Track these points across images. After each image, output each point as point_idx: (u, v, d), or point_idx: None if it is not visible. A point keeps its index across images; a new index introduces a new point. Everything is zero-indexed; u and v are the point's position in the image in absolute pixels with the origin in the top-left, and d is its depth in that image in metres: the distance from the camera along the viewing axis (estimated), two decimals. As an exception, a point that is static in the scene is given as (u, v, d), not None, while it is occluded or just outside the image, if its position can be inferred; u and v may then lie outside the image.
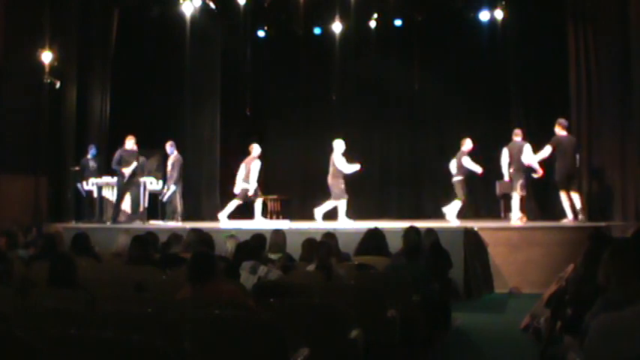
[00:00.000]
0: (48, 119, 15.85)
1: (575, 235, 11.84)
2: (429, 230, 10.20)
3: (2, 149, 14.82)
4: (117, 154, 14.93)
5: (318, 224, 13.82)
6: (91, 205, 15.82)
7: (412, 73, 17.86)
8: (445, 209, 14.50)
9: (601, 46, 14.13)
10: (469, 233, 11.69)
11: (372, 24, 17.67)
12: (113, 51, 17.04)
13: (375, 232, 9.31)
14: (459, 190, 14.37)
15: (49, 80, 15.31)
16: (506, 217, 14.69)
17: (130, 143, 15.02)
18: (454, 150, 16.87)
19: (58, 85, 15.58)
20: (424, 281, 7.52)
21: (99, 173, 15.74)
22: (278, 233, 9.08)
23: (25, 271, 7.38)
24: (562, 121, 13.63)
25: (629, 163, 13.55)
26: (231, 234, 9.45)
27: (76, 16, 16.29)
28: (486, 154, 15.43)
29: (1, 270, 6.29)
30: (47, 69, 15.27)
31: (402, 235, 9.05)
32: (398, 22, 17.81)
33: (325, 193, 14.90)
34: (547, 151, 13.48)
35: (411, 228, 9.31)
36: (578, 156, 13.68)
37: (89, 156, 15.78)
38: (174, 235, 9.49)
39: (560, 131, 13.55)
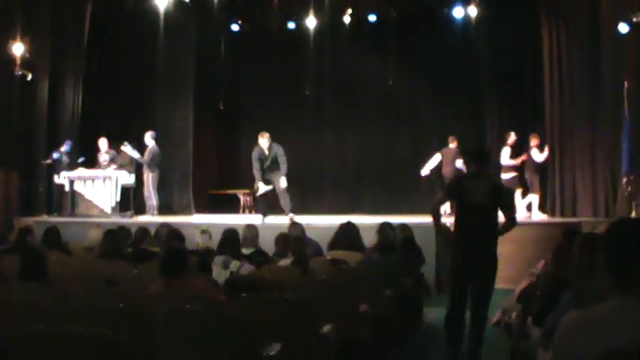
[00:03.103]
0: (19, 112, 15.69)
1: (547, 231, 11.96)
2: (403, 226, 10.22)
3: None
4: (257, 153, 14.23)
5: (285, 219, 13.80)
6: (61, 199, 15.69)
7: (386, 68, 17.90)
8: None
9: (574, 45, 14.27)
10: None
11: (347, 19, 17.66)
12: (86, 43, 16.90)
13: (348, 227, 9.32)
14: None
15: (20, 72, 15.16)
16: None
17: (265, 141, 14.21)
18: (428, 145, 17.04)
19: (29, 77, 15.44)
20: (396, 276, 7.55)
21: (69, 168, 15.56)
22: (251, 228, 9.08)
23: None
24: (452, 137, 15.47)
25: (599, 162, 13.75)
26: (203, 229, 9.43)
27: (48, 6, 16.14)
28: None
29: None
30: (19, 61, 15.12)
31: (376, 230, 9.06)
32: (372, 18, 17.80)
33: (300, 187, 14.87)
34: (436, 159, 15.60)
35: (386, 224, 9.31)
36: (460, 163, 14.92)
37: (62, 149, 15.59)
38: (143, 230, 9.44)
39: (450, 144, 15.39)
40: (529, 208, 14.42)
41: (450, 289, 7.11)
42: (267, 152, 13.72)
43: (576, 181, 14.15)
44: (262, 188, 13.70)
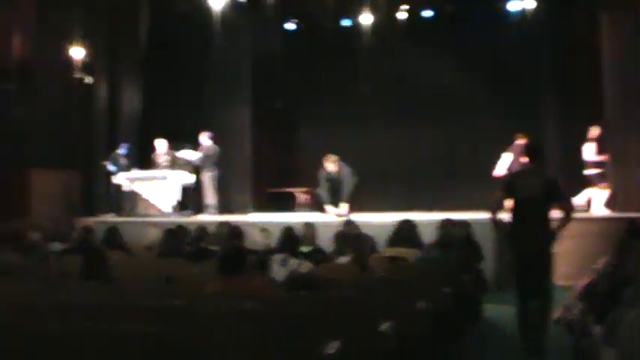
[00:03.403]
0: (79, 114, 15.95)
1: (608, 226, 11.73)
2: (462, 222, 10.15)
3: (34, 144, 14.97)
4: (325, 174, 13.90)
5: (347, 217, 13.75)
6: (121, 199, 15.88)
7: (443, 64, 17.73)
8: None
9: (634, 39, 13.98)
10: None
11: (402, 15, 17.55)
12: (143, 45, 17.11)
13: (406, 224, 9.29)
14: None
15: (80, 75, 15.42)
16: None
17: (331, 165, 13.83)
18: (485, 141, 16.80)
19: (89, 80, 15.69)
20: (455, 273, 7.51)
21: (127, 170, 15.72)
22: (309, 226, 9.10)
23: (58, 265, 7.47)
24: (519, 135, 14.78)
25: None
26: (263, 227, 9.48)
27: (105, 10, 16.38)
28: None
29: (35, 264, 6.38)
30: (78, 64, 15.38)
31: (437, 226, 9.03)
32: (428, 14, 17.70)
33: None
34: (507, 158, 14.96)
35: (448, 220, 9.27)
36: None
37: (120, 152, 15.79)
38: (201, 229, 9.52)
39: (517, 141, 14.72)
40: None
41: (515, 285, 7.30)
42: (334, 174, 13.55)
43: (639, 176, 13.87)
44: (332, 211, 13.50)
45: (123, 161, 15.71)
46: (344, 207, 13.33)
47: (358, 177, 13.81)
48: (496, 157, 15.37)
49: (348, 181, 13.44)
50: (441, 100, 18.26)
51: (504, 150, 15.16)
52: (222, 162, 15.94)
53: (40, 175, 15.06)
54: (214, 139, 15.58)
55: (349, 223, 9.68)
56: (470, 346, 7.85)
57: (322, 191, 13.65)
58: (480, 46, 17.57)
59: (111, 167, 15.64)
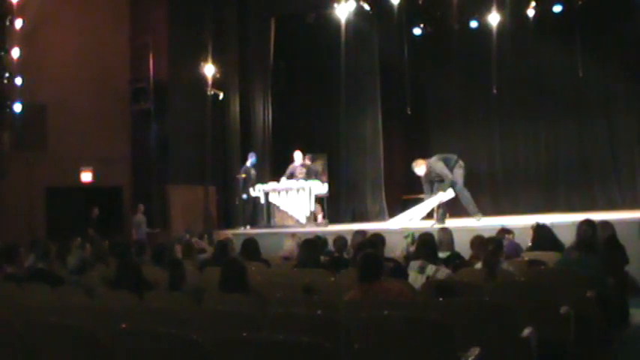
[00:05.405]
0: (213, 130, 16.37)
1: None
2: (605, 223, 9.79)
3: (172, 161, 15.47)
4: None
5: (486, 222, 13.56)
6: (255, 211, 16.17)
7: (575, 60, 17.11)
8: None
9: None
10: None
11: (530, 12, 17.13)
12: (272, 59, 17.42)
13: (540, 227, 9.09)
14: None
15: (212, 92, 15.85)
16: None
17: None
18: (624, 136, 16.15)
19: (221, 96, 16.10)
20: (599, 277, 7.26)
21: (257, 181, 16.01)
22: (445, 231, 9.02)
23: (198, 277, 7.68)
24: None
25: None
26: (407, 233, 9.47)
27: (235, 28, 16.79)
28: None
29: (176, 276, 6.57)
30: (210, 81, 15.81)
31: (576, 228, 8.78)
32: (557, 9, 17.20)
33: (493, 187, 14.54)
34: None
35: (584, 221, 8.99)
36: None
37: (248, 164, 16.08)
38: (342, 238, 9.57)
39: None
40: None
41: None
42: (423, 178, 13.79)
43: None
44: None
45: (253, 172, 15.96)
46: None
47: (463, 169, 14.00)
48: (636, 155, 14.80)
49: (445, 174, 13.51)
50: (575, 97, 17.74)
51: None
52: (356, 170, 15.99)
53: (179, 190, 15.54)
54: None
55: (503, 231, 9.51)
56: (617, 352, 7.58)
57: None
58: (614, 37, 16.94)
59: (243, 180, 15.93)
